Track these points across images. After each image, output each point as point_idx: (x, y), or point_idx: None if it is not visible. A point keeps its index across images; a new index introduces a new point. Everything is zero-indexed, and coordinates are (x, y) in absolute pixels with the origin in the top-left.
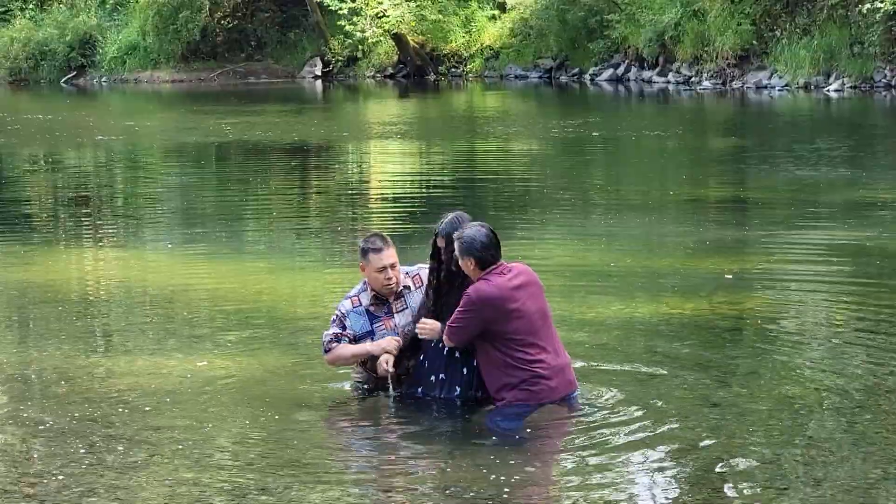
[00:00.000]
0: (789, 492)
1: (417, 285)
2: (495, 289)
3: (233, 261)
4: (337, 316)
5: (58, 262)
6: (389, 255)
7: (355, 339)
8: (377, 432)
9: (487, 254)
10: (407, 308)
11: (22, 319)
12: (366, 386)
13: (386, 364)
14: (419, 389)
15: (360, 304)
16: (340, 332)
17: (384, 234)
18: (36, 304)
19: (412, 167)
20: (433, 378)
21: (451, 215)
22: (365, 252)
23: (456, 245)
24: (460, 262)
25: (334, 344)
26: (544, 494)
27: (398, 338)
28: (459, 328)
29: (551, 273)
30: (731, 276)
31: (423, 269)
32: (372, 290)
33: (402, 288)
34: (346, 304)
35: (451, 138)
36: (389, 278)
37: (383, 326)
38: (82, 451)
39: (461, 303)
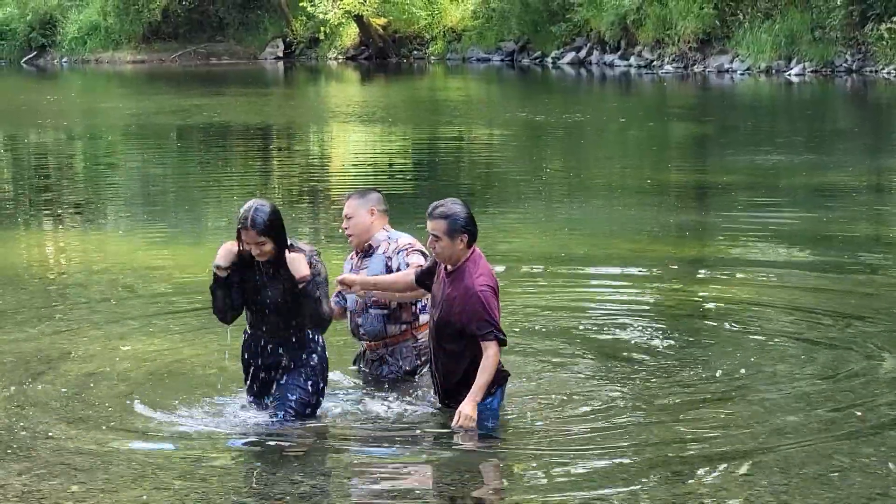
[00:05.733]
0: (756, 478)
1: (385, 252)
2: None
3: (193, 244)
4: None
5: (17, 244)
6: (348, 205)
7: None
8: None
9: (476, 228)
10: (366, 269)
11: None
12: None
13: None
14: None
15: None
16: None
17: (376, 190)
18: None
19: (375, 151)
20: None
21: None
22: None
23: (445, 223)
24: (448, 242)
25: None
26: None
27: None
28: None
29: (511, 259)
30: (675, 266)
31: (402, 238)
32: None
33: (367, 246)
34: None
35: (414, 122)
36: (345, 227)
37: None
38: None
39: (486, 298)
